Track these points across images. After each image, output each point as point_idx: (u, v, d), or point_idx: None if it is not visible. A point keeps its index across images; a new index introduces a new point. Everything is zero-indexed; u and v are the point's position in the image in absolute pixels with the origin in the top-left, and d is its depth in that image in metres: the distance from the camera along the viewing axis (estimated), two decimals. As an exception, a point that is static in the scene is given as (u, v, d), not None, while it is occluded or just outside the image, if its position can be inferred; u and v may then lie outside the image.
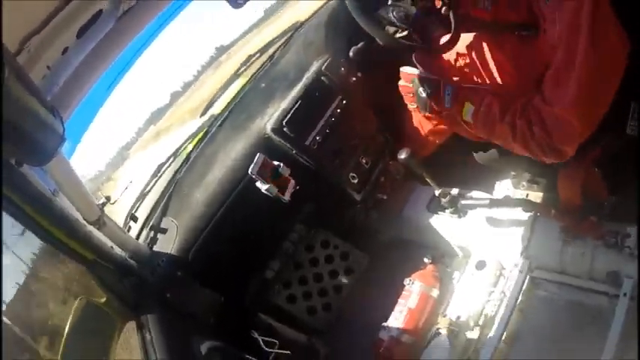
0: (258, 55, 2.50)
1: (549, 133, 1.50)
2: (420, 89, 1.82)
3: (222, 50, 3.16)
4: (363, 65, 2.24)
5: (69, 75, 1.48)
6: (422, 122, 2.22)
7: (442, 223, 2.24)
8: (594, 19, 1.39)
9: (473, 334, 1.88)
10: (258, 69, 2.47)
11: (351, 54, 1.97)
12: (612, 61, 1.44)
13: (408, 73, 1.90)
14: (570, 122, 1.46)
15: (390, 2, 1.88)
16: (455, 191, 2.14)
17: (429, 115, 2.02)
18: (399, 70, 1.79)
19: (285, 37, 2.53)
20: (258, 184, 1.84)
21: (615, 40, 1.43)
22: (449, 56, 2.04)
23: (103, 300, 1.70)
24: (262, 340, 1.92)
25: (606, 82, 1.46)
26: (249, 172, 1.82)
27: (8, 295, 1.73)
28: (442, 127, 2.16)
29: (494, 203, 2.03)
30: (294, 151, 2.09)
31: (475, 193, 2.14)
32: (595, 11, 1.38)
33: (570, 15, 1.43)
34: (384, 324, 2.05)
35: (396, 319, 2.04)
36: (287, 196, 1.90)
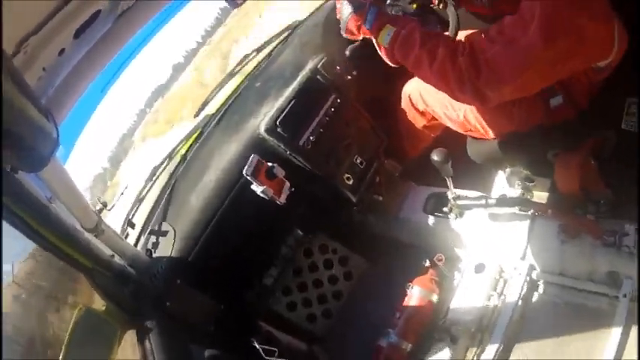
0: (254, 54, 2.47)
1: (477, 67, 1.44)
2: (345, 5, 1.76)
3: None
4: (359, 64, 2.22)
5: (64, 77, 1.46)
6: (416, 118, 2.23)
7: (439, 224, 2.23)
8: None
9: (473, 339, 1.85)
10: (254, 68, 2.45)
11: (347, 52, 1.97)
12: (584, 28, 1.40)
13: None
14: (506, 66, 1.42)
15: (388, 1, 1.88)
16: (464, 193, 2.13)
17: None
18: (394, 69, 1.78)
19: (283, 36, 2.52)
20: (254, 186, 1.82)
21: (593, 10, 1.39)
22: None
23: (103, 308, 1.70)
24: (262, 348, 1.91)
25: (566, 56, 1.42)
26: (244, 172, 1.79)
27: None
28: (436, 121, 2.16)
29: (491, 203, 2.02)
30: (287, 152, 2.06)
31: (471, 193, 2.13)
32: None
33: None
34: (384, 330, 2.04)
35: (396, 326, 2.03)
36: (282, 199, 1.87)
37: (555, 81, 1.56)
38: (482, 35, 1.52)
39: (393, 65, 1.73)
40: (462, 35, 1.92)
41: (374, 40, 1.71)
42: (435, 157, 1.87)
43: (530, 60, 1.41)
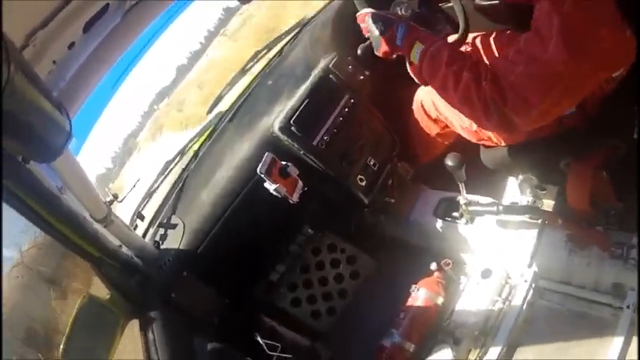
0: (265, 51, 2.47)
1: (503, 93, 1.39)
2: (374, 27, 1.75)
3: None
4: (371, 63, 2.17)
5: (75, 70, 1.47)
6: (429, 126, 2.21)
7: (449, 229, 2.23)
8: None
9: (476, 342, 1.86)
10: (265, 65, 2.45)
11: (359, 51, 1.95)
12: (602, 39, 1.33)
13: (362, 13, 1.82)
14: (532, 90, 1.36)
15: (395, 0, 1.86)
16: (475, 199, 2.13)
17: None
18: (405, 69, 1.76)
19: (293, 34, 2.51)
20: (267, 184, 1.82)
21: (607, 21, 1.32)
22: None
23: (107, 297, 1.71)
24: (265, 343, 1.93)
25: (594, 60, 1.35)
26: (258, 171, 1.79)
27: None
28: (449, 129, 2.15)
29: (501, 210, 2.02)
30: (301, 152, 2.06)
31: (482, 199, 2.13)
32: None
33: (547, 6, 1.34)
34: (388, 330, 2.06)
35: (400, 326, 2.04)
36: (295, 197, 1.87)
37: (581, 99, 1.52)
38: (501, 55, 1.48)
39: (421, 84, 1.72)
40: (471, 37, 1.90)
41: (406, 58, 1.70)
42: (450, 162, 1.86)
43: (555, 77, 1.35)
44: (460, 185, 2.01)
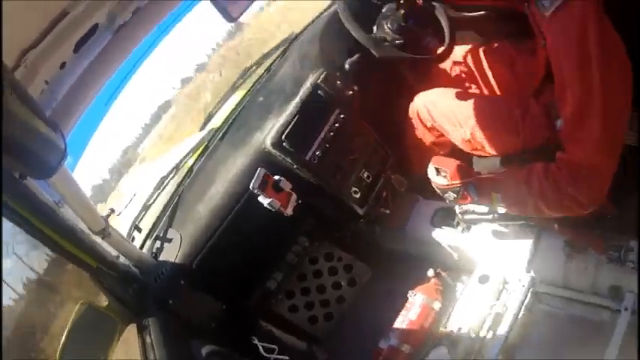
0: (254, 67, 2.49)
1: (583, 185, 1.42)
2: (447, 195, 1.86)
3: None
4: (359, 77, 2.21)
5: (67, 90, 1.49)
6: (424, 134, 2.22)
7: (446, 237, 2.24)
8: (602, 49, 1.32)
9: (473, 344, 1.87)
10: (255, 82, 2.47)
11: (346, 66, 1.96)
12: (625, 81, 1.38)
13: (435, 183, 1.90)
14: (599, 165, 1.40)
15: (381, 14, 1.89)
16: (471, 207, 2.07)
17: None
18: (394, 83, 1.78)
19: (280, 50, 2.53)
20: (260, 198, 1.84)
21: (622, 58, 1.37)
22: (444, 65, 2.04)
23: (105, 304, 1.73)
24: (262, 346, 1.94)
25: (624, 105, 1.40)
26: (251, 187, 1.81)
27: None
28: (444, 138, 2.16)
29: (498, 217, 2.01)
30: (294, 166, 2.08)
31: (478, 207, 2.12)
32: (601, 38, 1.32)
33: (576, 49, 1.36)
34: (384, 334, 2.07)
35: (397, 329, 2.06)
36: (289, 211, 1.89)
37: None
38: (563, 154, 1.49)
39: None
40: (462, 51, 1.89)
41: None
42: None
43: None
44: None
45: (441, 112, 2.06)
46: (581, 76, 1.36)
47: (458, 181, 1.80)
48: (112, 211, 1.73)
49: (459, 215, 2.07)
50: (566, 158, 1.45)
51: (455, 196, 1.82)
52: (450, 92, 2.08)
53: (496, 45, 1.95)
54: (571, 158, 1.44)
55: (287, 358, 1.96)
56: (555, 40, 1.44)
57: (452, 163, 1.86)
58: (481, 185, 1.75)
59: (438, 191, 1.91)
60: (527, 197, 1.57)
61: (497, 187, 1.70)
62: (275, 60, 2.51)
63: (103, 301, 1.77)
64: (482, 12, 2.03)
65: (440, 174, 1.87)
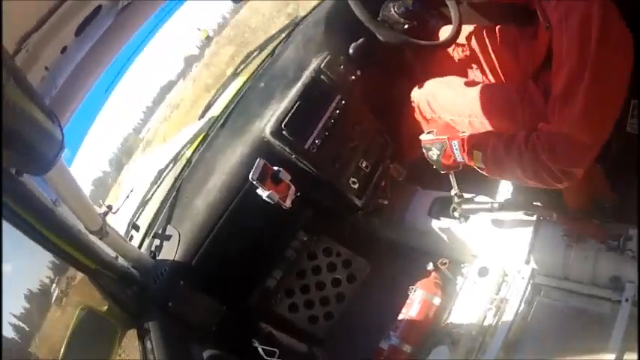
0: (257, 52, 2.45)
1: (559, 157, 1.45)
2: (431, 152, 1.86)
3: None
4: (362, 63, 2.20)
5: (67, 76, 1.45)
6: (423, 126, 2.23)
7: (444, 228, 2.23)
8: (602, 33, 1.35)
9: (474, 342, 1.86)
10: (258, 67, 2.43)
11: (350, 51, 1.95)
12: (621, 68, 1.40)
13: (423, 140, 1.92)
14: (579, 139, 1.42)
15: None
16: (469, 197, 2.12)
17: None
18: (398, 68, 1.78)
19: (285, 34, 2.49)
20: (259, 190, 1.81)
21: (624, 46, 1.39)
22: (448, 48, 2.05)
23: (105, 308, 1.72)
24: (263, 349, 1.92)
25: (615, 90, 1.42)
26: (250, 177, 1.78)
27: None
28: None
29: (496, 207, 2.01)
30: (293, 156, 2.05)
31: (477, 197, 2.12)
32: (603, 23, 1.35)
33: (578, 30, 1.39)
34: (385, 333, 2.06)
35: (397, 328, 2.04)
36: (288, 203, 1.86)
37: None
38: (544, 126, 1.51)
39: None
40: (466, 32, 1.92)
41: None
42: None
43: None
44: (450, 177, 2.01)
45: (440, 103, 2.07)
46: (578, 55, 1.39)
47: (444, 136, 1.81)
48: (109, 208, 1.71)
49: (455, 198, 2.08)
50: (547, 129, 1.48)
51: (438, 153, 1.81)
52: (449, 82, 2.09)
53: (500, 28, 1.96)
54: (551, 129, 1.47)
55: None
56: (560, 21, 1.46)
57: (441, 122, 1.91)
58: (465, 142, 1.74)
59: (424, 150, 1.89)
60: (505, 160, 1.60)
61: (479, 146, 1.70)
62: (279, 44, 2.47)
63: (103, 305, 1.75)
64: None
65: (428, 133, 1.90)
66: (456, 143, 1.76)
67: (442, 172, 1.93)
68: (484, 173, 1.77)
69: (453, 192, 2.07)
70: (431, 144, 1.85)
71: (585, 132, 1.41)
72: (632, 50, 1.41)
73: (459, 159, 1.77)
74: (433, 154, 1.85)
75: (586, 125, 1.41)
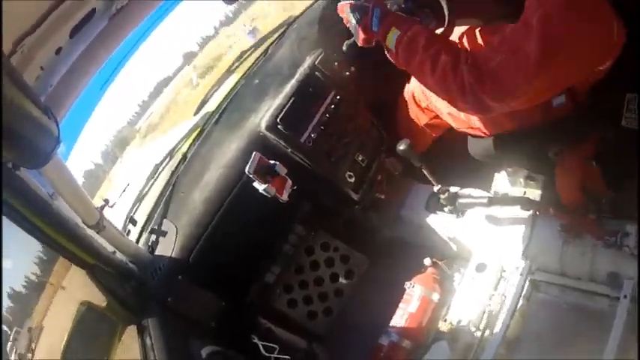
0: (251, 50, 2.47)
1: (481, 77, 1.39)
2: (351, 16, 1.74)
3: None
4: (356, 59, 2.21)
5: (62, 75, 1.47)
6: (418, 115, 2.22)
7: (441, 222, 2.22)
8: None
9: (473, 338, 1.86)
10: (252, 65, 2.45)
11: (344, 48, 1.95)
12: (588, 35, 1.34)
13: (342, 4, 1.80)
14: (512, 78, 1.36)
15: None
16: (453, 189, 2.12)
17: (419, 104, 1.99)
18: (392, 65, 1.77)
19: (279, 32, 2.51)
20: (256, 184, 1.80)
21: (596, 15, 1.33)
22: None
23: (104, 304, 1.71)
24: (262, 344, 1.92)
25: (575, 55, 1.35)
26: (246, 171, 1.77)
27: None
28: (438, 120, 2.16)
29: (493, 201, 2.02)
30: (289, 149, 2.06)
31: (473, 192, 2.13)
32: None
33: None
34: (384, 329, 2.05)
35: (397, 324, 2.04)
36: (284, 197, 1.85)
37: (566, 88, 1.52)
38: (485, 43, 1.48)
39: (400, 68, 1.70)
40: (458, 32, 1.92)
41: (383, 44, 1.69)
42: (401, 147, 1.93)
43: (534, 72, 1.35)
44: (425, 171, 2.02)
45: None
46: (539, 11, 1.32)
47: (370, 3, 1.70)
48: (106, 202, 1.70)
49: (443, 201, 2.07)
50: (482, 60, 1.41)
51: (358, 17, 1.70)
52: None
53: (493, 27, 1.95)
54: (487, 64, 1.39)
55: (288, 358, 1.93)
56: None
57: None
58: (387, 15, 1.66)
59: (346, 14, 1.78)
60: (420, 52, 1.53)
61: (401, 25, 1.61)
62: (272, 43, 2.50)
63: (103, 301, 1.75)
64: None
65: None
66: (378, 11, 1.66)
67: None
68: (388, 56, 1.69)
69: (435, 188, 2.08)
70: (356, 7, 1.73)
71: (511, 85, 1.36)
72: (605, 31, 1.36)
73: (374, 29, 1.67)
74: (353, 18, 1.73)
75: (525, 77, 1.35)
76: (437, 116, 2.14)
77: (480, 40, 1.88)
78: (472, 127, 1.97)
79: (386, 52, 1.70)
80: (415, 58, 1.56)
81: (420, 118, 2.23)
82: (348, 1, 1.77)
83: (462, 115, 1.94)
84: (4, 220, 1.34)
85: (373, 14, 1.66)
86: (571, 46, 1.34)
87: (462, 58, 1.44)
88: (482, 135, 1.97)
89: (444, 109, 2.05)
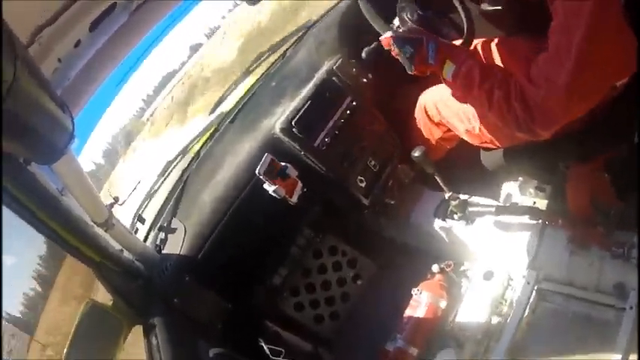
0: (269, 53, 2.50)
1: (531, 113, 1.46)
2: (404, 49, 1.77)
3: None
4: (374, 66, 2.21)
5: (80, 69, 1.46)
6: (432, 130, 2.22)
7: (450, 230, 2.22)
8: (598, 7, 1.31)
9: (479, 346, 1.85)
10: (269, 67, 2.46)
11: (363, 55, 1.95)
12: (612, 56, 1.38)
13: (386, 37, 1.84)
14: (554, 110, 1.42)
15: (398, 4, 1.87)
16: (464, 197, 2.12)
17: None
18: (408, 75, 1.78)
19: (297, 36, 2.53)
20: (266, 185, 1.81)
21: (618, 35, 1.36)
22: None
23: (110, 303, 1.69)
24: (268, 348, 1.91)
25: (602, 76, 1.41)
26: (257, 172, 1.79)
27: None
28: (451, 133, 2.16)
29: (502, 210, 2.02)
30: (302, 152, 2.06)
31: (483, 200, 2.12)
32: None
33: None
34: (391, 334, 2.04)
35: (403, 330, 2.03)
36: (294, 199, 1.87)
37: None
38: (525, 76, 1.50)
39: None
40: (476, 40, 1.92)
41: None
42: (416, 153, 1.93)
43: (568, 105, 1.42)
44: (437, 178, 2.02)
45: (449, 107, 2.05)
46: (569, 22, 1.36)
47: (422, 36, 1.75)
48: (116, 200, 1.68)
49: (452, 208, 2.07)
50: (524, 83, 1.47)
51: (412, 51, 1.74)
52: None
53: (510, 39, 1.96)
54: (529, 86, 1.45)
55: None
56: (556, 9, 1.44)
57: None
58: (443, 46, 1.71)
59: (392, 47, 1.80)
60: (476, 85, 1.60)
61: (456, 58, 1.67)
62: (291, 46, 2.51)
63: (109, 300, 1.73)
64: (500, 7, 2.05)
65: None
66: (433, 44, 1.71)
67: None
68: (447, 86, 1.75)
69: (446, 195, 2.08)
70: (405, 41, 1.77)
71: (561, 107, 1.41)
72: (627, 46, 1.38)
73: (431, 62, 1.71)
74: (406, 51, 1.76)
75: (563, 102, 1.40)
76: (450, 130, 2.15)
77: (497, 57, 1.89)
78: (485, 142, 1.98)
79: (442, 81, 1.76)
80: (472, 93, 1.63)
81: (434, 133, 2.23)
82: (390, 34, 1.81)
83: (477, 129, 1.94)
84: (11, 215, 1.32)
85: (429, 47, 1.72)
86: (599, 73, 1.39)
87: (512, 92, 1.49)
88: (495, 148, 1.98)
89: (456, 124, 2.06)
